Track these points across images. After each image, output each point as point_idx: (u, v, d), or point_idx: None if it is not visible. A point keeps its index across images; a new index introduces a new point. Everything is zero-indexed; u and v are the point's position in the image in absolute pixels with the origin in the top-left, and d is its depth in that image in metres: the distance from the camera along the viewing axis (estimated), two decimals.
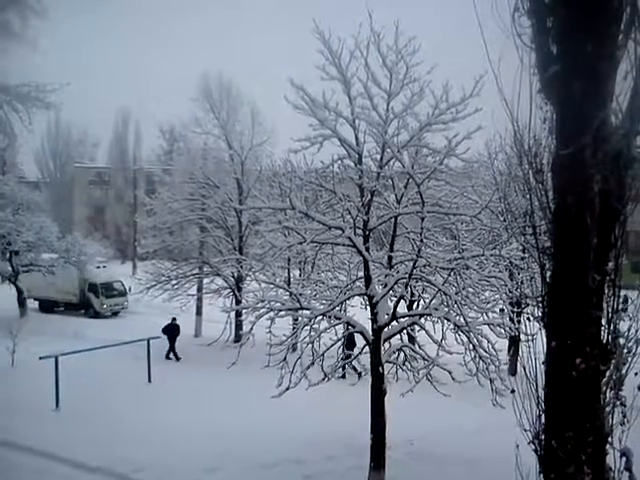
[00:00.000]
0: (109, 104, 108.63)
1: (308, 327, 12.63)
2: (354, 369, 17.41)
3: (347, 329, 13.14)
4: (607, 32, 4.40)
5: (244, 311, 13.90)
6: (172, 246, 27.53)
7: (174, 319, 24.48)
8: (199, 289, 28.31)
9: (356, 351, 14.04)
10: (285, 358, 12.45)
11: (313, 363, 12.55)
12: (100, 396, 17.41)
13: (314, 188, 14.02)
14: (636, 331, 4.79)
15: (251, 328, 12.58)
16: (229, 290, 26.65)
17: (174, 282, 26.76)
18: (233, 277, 26.57)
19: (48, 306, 34.58)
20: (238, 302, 24.84)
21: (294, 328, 13.47)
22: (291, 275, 23.05)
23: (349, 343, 15.97)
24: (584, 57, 4.38)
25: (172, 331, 24.15)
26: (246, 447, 14.04)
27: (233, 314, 22.64)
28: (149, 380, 20.18)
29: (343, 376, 18.38)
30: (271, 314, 12.47)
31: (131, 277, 34.62)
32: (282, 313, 12.57)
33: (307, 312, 12.61)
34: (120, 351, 20.57)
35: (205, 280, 28.04)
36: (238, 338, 22.82)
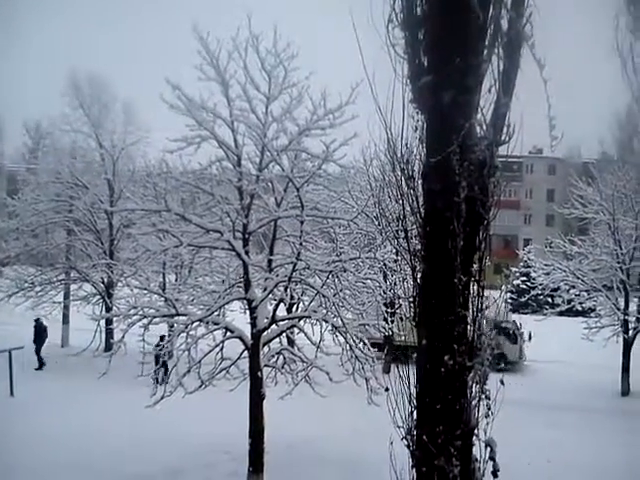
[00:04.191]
0: None
1: (184, 334, 12.26)
2: None
3: (225, 334, 12.92)
4: (473, 47, 4.67)
5: (115, 319, 13.23)
6: (36, 250, 25.68)
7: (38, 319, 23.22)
8: (66, 296, 26.68)
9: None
10: (159, 366, 12.02)
11: (189, 371, 12.21)
12: None
13: (191, 190, 13.67)
14: None
15: (122, 336, 12.01)
16: (99, 297, 25.46)
17: (38, 289, 25.03)
18: (103, 283, 25.36)
19: None
20: (108, 309, 23.75)
21: (169, 335, 13.03)
22: (167, 280, 22.35)
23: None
24: (452, 70, 4.62)
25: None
26: (119, 458, 13.36)
27: (103, 322, 21.54)
28: (11, 394, 18.67)
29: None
30: (144, 321, 11.98)
31: None
32: (156, 320, 12.10)
33: (183, 318, 12.24)
34: None
35: (73, 286, 26.49)
36: (109, 347, 21.74)
